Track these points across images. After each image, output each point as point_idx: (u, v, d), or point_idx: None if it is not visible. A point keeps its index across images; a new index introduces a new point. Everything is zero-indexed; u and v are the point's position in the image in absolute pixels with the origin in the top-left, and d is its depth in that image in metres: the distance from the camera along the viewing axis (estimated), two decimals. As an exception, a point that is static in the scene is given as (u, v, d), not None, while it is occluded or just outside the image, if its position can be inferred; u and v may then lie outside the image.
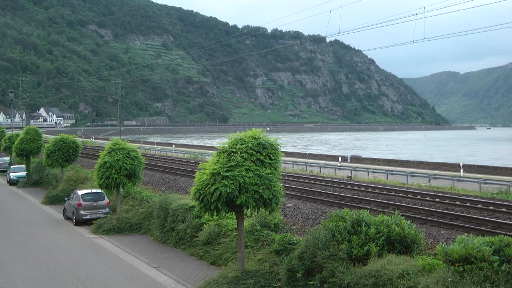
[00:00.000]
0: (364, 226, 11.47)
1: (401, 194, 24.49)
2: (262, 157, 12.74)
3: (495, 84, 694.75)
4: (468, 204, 21.03)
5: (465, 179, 33.30)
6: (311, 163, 48.55)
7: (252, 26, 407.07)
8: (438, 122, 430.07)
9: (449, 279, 8.79)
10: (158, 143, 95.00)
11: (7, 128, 75.91)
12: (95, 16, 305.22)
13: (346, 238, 11.44)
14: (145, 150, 71.47)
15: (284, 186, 15.31)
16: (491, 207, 20.21)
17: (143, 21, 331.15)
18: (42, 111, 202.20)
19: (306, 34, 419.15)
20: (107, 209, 24.67)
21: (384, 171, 39.48)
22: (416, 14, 31.33)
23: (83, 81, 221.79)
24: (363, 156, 58.38)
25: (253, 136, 12.98)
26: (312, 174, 38.66)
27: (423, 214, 19.43)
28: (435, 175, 36.02)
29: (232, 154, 12.73)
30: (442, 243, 10.98)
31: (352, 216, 11.84)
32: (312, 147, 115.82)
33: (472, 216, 18.52)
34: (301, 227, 18.80)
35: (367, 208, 17.34)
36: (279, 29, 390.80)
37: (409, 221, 12.12)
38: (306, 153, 65.97)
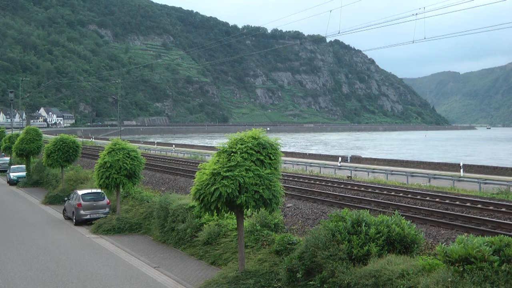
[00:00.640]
0: (364, 226, 11.47)
1: (401, 194, 24.49)
2: (262, 157, 12.74)
3: (495, 84, 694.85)
4: (468, 204, 21.03)
5: (465, 179, 33.31)
6: (311, 163, 48.56)
7: (252, 26, 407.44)
8: (438, 122, 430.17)
9: (449, 279, 8.79)
10: (158, 143, 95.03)
11: (7, 128, 75.92)
12: (95, 16, 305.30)
13: (346, 238, 11.44)
14: (145, 150, 71.48)
15: (284, 186, 15.31)
16: (491, 207, 20.21)
17: (143, 21, 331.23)
18: (42, 111, 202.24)
19: (306, 34, 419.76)
20: (107, 209, 24.67)
21: (384, 171, 39.49)
22: (416, 14, 31.35)
23: (83, 81, 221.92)
24: (363, 156, 58.41)
25: (253, 136, 12.98)
26: (312, 174, 38.66)
27: (423, 214, 19.43)
28: (435, 175, 36.03)
29: (232, 154, 12.73)
30: (442, 243, 10.98)
31: (352, 216, 11.85)
32: (312, 147, 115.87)
33: (472, 216, 18.52)
34: (301, 227, 18.80)
35: (367, 208, 17.34)
36: (279, 29, 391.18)
37: (409, 221, 12.12)
38: (306, 153, 65.98)
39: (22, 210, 28.89)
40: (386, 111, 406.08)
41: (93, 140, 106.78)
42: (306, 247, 11.99)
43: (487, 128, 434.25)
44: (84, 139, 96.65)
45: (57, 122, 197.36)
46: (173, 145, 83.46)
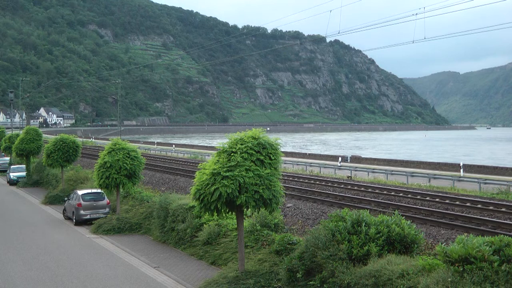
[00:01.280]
0: (364, 226, 11.47)
1: (401, 194, 24.48)
2: (262, 157, 12.74)
3: (495, 84, 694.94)
4: (468, 204, 21.03)
5: (465, 179, 33.31)
6: (311, 163, 48.55)
7: (252, 26, 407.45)
8: (438, 122, 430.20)
9: (449, 279, 8.79)
10: (158, 143, 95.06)
11: (7, 128, 75.92)
12: (95, 16, 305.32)
13: (346, 238, 11.44)
14: (145, 150, 71.48)
15: (284, 186, 15.31)
16: (491, 207, 20.21)
17: (143, 21, 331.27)
18: (42, 111, 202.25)
19: (306, 34, 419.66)
20: (107, 209, 24.67)
21: (384, 171, 39.48)
22: (416, 14, 31.35)
23: (83, 81, 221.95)
24: (363, 156, 58.42)
25: (253, 136, 12.98)
26: (312, 174, 38.66)
27: (423, 214, 19.43)
28: (435, 175, 36.03)
29: (232, 154, 12.73)
30: (442, 243, 10.98)
31: (352, 216, 11.85)
32: (312, 147, 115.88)
33: (472, 216, 18.52)
34: (301, 227, 18.80)
35: (367, 208, 17.33)
36: (279, 29, 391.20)
37: (409, 221, 12.12)
38: (306, 153, 65.99)
39: (22, 210, 28.89)
40: (386, 111, 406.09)
41: (93, 140, 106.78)
42: (306, 247, 11.99)
43: (487, 128, 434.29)
44: (84, 139, 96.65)
45: (57, 122, 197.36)
46: (173, 145, 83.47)
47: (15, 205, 31.07)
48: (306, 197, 24.05)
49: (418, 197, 23.43)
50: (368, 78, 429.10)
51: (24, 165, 42.01)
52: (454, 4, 30.72)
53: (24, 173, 41.66)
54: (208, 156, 53.89)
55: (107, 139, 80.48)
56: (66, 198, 26.78)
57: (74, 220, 24.35)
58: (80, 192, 25.03)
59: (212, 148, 69.66)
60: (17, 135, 45.89)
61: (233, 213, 13.49)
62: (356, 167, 43.25)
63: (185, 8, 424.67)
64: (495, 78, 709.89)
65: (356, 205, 21.42)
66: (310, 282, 11.58)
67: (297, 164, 48.52)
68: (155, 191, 29.15)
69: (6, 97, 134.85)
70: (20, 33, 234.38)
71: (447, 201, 22.10)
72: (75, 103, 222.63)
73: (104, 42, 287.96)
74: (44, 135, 47.68)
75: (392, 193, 24.82)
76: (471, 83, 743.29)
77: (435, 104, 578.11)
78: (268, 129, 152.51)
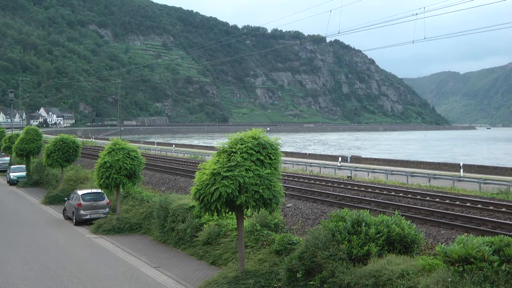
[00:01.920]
0: (364, 226, 11.47)
1: (401, 194, 24.48)
2: (262, 157, 12.74)
3: (495, 84, 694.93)
4: (468, 204, 21.03)
5: (465, 179, 33.30)
6: (311, 163, 48.55)
7: (252, 26, 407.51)
8: (438, 122, 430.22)
9: (449, 279, 8.80)
10: (158, 143, 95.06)
11: (7, 128, 75.92)
12: (95, 16, 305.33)
13: (346, 238, 11.44)
14: (145, 150, 71.47)
15: (284, 186, 15.31)
16: (491, 207, 20.21)
17: (143, 21, 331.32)
18: (42, 111, 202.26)
19: (306, 34, 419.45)
20: (107, 209, 24.67)
21: (384, 171, 39.47)
22: (416, 14, 31.35)
23: (83, 81, 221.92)
24: (363, 156, 58.41)
25: (253, 136, 12.98)
26: (312, 174, 38.65)
27: (423, 214, 19.43)
28: (435, 175, 36.02)
29: (232, 154, 12.73)
30: (442, 243, 10.98)
31: (352, 216, 11.85)
32: (312, 147, 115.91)
33: (472, 216, 18.51)
34: (301, 227, 18.80)
35: (367, 208, 17.34)
36: (279, 29, 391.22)
37: (409, 221, 12.12)
38: (306, 153, 66.00)
39: (22, 210, 28.89)
40: (386, 111, 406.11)
41: (93, 140, 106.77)
42: (306, 247, 11.99)
43: (487, 128, 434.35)
44: (84, 139, 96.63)
45: (57, 122, 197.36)
46: (173, 145, 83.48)
47: (15, 205, 31.07)
48: (306, 197, 24.05)
49: (418, 197, 23.43)
50: (368, 78, 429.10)
51: (24, 165, 42.00)
52: (454, 4, 30.72)
53: (24, 173, 41.65)
54: (208, 156, 53.89)
55: (107, 139, 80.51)
56: (66, 198, 26.77)
57: (74, 220, 24.35)
58: (80, 192, 25.03)
59: (212, 148, 69.66)
60: (17, 135, 45.88)
61: (233, 213, 13.48)
62: (356, 167, 43.24)
63: (185, 8, 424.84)
64: (495, 78, 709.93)
65: (356, 205, 21.42)
66: (310, 282, 11.58)
67: (297, 164, 48.51)
68: (155, 191, 29.16)
69: (6, 97, 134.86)
70: (20, 33, 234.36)
71: (447, 201, 22.09)
72: (75, 103, 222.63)
73: (104, 42, 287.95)
74: (44, 135, 47.66)
75: (392, 193, 24.82)
76: (471, 83, 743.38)
77: (435, 104, 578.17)
78: (268, 129, 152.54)
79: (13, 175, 42.54)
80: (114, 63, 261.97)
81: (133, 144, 28.65)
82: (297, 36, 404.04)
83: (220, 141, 15.59)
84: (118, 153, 22.40)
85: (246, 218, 15.55)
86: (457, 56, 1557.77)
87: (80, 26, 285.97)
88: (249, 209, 12.87)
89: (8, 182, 43.23)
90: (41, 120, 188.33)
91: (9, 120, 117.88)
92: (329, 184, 29.49)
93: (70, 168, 37.06)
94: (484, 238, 9.24)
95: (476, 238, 9.25)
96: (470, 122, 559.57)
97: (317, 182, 30.29)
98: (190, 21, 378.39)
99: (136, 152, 23.10)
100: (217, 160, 12.84)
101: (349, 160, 51.87)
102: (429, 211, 19.66)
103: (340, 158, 51.00)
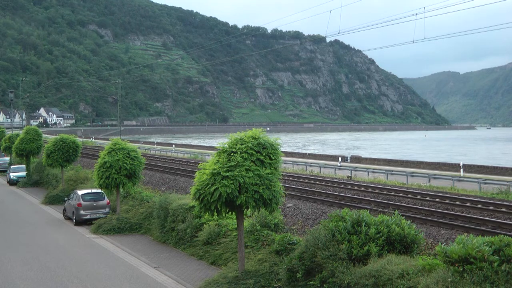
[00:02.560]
0: (364, 226, 11.47)
1: (401, 194, 24.48)
2: (262, 157, 12.73)
3: (495, 84, 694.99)
4: (468, 204, 21.03)
5: (465, 179, 33.30)
6: (311, 163, 48.55)
7: (252, 26, 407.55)
8: (438, 122, 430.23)
9: (449, 279, 8.80)
10: (158, 143, 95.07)
11: (7, 128, 75.93)
12: (95, 16, 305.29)
13: (346, 238, 11.44)
14: (145, 150, 71.47)
15: (284, 186, 15.31)
16: (491, 207, 20.20)
17: (143, 21, 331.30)
18: (42, 111, 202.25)
19: (306, 34, 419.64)
20: (107, 209, 24.67)
21: (384, 171, 39.48)
22: (416, 14, 31.36)
23: (83, 81, 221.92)
24: (363, 156, 58.42)
25: (253, 136, 12.98)
26: (312, 174, 38.65)
27: (423, 214, 19.42)
28: (435, 175, 36.02)
29: (232, 154, 12.73)
30: (442, 243, 10.98)
31: (352, 216, 11.85)
32: (312, 147, 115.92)
33: (472, 216, 18.51)
34: (301, 227, 18.80)
35: (367, 208, 17.34)
36: (279, 29, 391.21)
37: (409, 221, 12.12)
38: (306, 153, 65.99)
39: (22, 210, 28.89)
40: (386, 111, 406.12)
41: (93, 140, 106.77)
42: (306, 247, 11.99)
43: (487, 128, 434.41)
44: (84, 139, 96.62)
45: (57, 122, 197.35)
46: (173, 145, 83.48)
47: (15, 205, 31.07)
48: (306, 197, 24.05)
49: (418, 197, 23.42)
50: (368, 78, 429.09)
51: (24, 165, 42.00)
52: (454, 4, 30.72)
53: (24, 173, 41.65)
54: (208, 156, 53.89)
55: (107, 139, 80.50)
56: (66, 198, 26.78)
57: (74, 220, 24.35)
58: (80, 192, 25.03)
59: (212, 148, 69.66)
60: (17, 135, 45.88)
61: (233, 213, 13.48)
62: (356, 167, 43.24)
63: (185, 8, 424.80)
64: (495, 78, 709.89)
65: (356, 205, 21.41)
66: (310, 282, 11.58)
67: (297, 164, 48.51)
68: (155, 191, 29.15)
69: (6, 97, 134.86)
70: (20, 33, 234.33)
71: (447, 201, 22.09)
72: (75, 103, 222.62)
73: (104, 42, 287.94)
74: (44, 135, 47.65)
75: (392, 193, 24.82)
76: (471, 83, 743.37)
77: (435, 104, 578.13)
78: (268, 129, 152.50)
79: (13, 175, 42.54)
80: (114, 63, 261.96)
81: (133, 144, 28.66)
82: (297, 36, 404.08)
83: (220, 141, 15.59)
84: (118, 153, 22.40)
85: (246, 218, 15.55)
86: (457, 56, 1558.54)
87: (80, 26, 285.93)
88: (249, 209, 12.87)
89: (8, 182, 43.23)
90: (41, 120, 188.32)
91: (9, 120, 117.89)
92: (329, 184, 29.49)
93: (70, 168, 37.05)
94: (484, 238, 9.24)
95: (476, 238, 9.25)
96: (470, 122, 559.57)
97: (317, 182, 30.28)
98: (190, 21, 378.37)
99: (136, 152, 23.10)
100: (217, 160, 12.84)
101: (349, 160, 51.88)
102: (429, 211, 19.65)
103: (340, 158, 51.00)
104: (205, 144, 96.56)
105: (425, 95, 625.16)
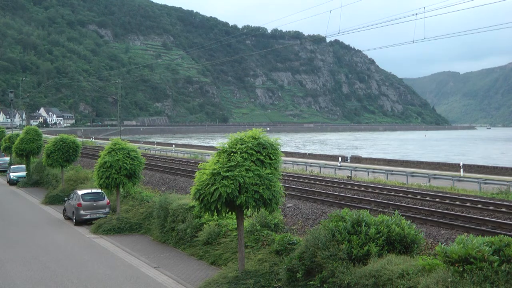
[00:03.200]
0: (364, 226, 11.47)
1: (401, 194, 24.47)
2: (262, 157, 12.74)
3: (495, 84, 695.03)
4: (468, 204, 21.02)
5: (465, 179, 33.29)
6: (311, 163, 48.54)
7: (252, 26, 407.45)
8: (438, 122, 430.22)
9: (449, 279, 8.80)
10: (158, 143, 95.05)
11: (7, 128, 75.92)
12: (95, 16, 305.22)
13: (346, 238, 11.44)
14: (145, 150, 71.45)
15: (284, 186, 15.31)
16: (491, 207, 20.20)
17: (143, 21, 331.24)
18: (42, 111, 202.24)
19: (306, 34, 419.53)
20: (107, 209, 24.67)
21: (384, 171, 39.47)
22: (416, 14, 31.32)
23: (83, 81, 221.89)
24: (363, 156, 58.41)
25: (253, 136, 12.98)
26: (312, 174, 38.64)
27: (423, 214, 19.42)
28: (435, 175, 36.01)
29: (232, 154, 12.73)
30: (442, 243, 10.97)
31: (352, 216, 11.85)
32: (309, 146, 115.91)
33: (472, 216, 18.50)
34: (301, 227, 18.80)
35: (367, 208, 17.33)
36: (279, 29, 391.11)
37: (409, 221, 12.12)
38: (306, 153, 65.98)
39: (22, 210, 28.89)
40: (386, 111, 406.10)
41: (93, 140, 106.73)
42: (306, 247, 11.99)
43: (487, 128, 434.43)
44: (84, 139, 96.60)
45: (57, 122, 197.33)
46: (173, 145, 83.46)
47: (15, 205, 31.07)
48: (306, 197, 24.04)
49: (418, 197, 23.42)
50: (368, 78, 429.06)
51: (24, 165, 42.00)
52: (454, 4, 30.69)
53: (24, 173, 41.65)
54: (208, 156, 53.88)
55: (107, 139, 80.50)
56: (66, 198, 26.78)
57: (74, 220, 24.35)
58: (80, 192, 25.03)
59: (212, 148, 69.65)
60: (17, 135, 45.88)
61: (233, 213, 13.48)
62: (356, 167, 43.23)
63: (185, 8, 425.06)
64: (495, 78, 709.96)
65: (356, 205, 21.41)
66: (310, 282, 11.59)
67: (297, 164, 48.50)
68: (155, 191, 29.14)
69: (6, 97, 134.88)
70: (20, 33, 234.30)
71: (447, 201, 22.08)
72: (75, 103, 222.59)
73: (104, 42, 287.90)
74: (44, 135, 47.65)
75: (392, 193, 24.81)
76: (471, 83, 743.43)
77: (435, 104, 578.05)
78: (268, 129, 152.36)
79: (13, 175, 42.54)
80: (114, 63, 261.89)
81: (133, 144, 28.64)
82: (297, 36, 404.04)
83: (220, 141, 15.59)
84: (118, 153, 22.40)
85: (246, 218, 15.56)
86: (457, 56, 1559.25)
87: (80, 26, 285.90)
88: (249, 209, 12.87)
89: (8, 182, 43.24)
90: (41, 120, 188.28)
91: (9, 120, 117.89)
92: (329, 184, 29.48)
93: (70, 168, 37.05)
94: (484, 238, 9.24)
95: (476, 238, 9.25)
96: (470, 122, 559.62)
97: (317, 182, 30.27)
98: (190, 21, 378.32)
99: (136, 152, 23.10)
100: (217, 160, 12.84)
101: (349, 160, 51.88)
102: (429, 211, 19.65)
103: (340, 158, 50.99)
104: (205, 144, 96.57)
105: (425, 95, 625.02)
